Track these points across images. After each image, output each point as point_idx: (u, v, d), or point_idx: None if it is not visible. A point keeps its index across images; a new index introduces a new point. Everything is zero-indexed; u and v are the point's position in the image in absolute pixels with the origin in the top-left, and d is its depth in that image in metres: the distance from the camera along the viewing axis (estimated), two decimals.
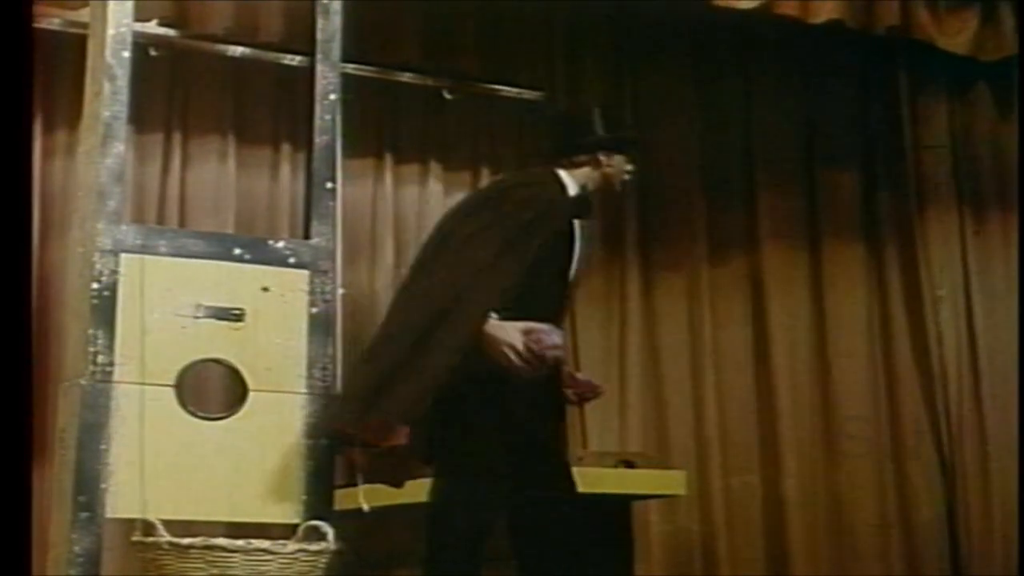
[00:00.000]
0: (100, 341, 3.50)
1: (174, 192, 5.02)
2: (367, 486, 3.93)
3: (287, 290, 3.72)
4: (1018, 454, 5.60)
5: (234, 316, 3.64)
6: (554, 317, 3.70)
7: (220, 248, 3.72)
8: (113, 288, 3.54)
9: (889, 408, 5.83)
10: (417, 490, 4.40)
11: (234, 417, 3.62)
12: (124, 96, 3.67)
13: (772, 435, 5.68)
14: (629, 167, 3.94)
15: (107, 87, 3.65)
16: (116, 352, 3.51)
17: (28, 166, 4.04)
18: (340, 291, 3.84)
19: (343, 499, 3.85)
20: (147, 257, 3.60)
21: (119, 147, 3.64)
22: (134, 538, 3.47)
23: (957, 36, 5.70)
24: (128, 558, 3.84)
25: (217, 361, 3.65)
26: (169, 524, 3.42)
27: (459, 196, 5.44)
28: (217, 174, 5.09)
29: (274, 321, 3.69)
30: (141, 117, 4.80)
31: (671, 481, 4.87)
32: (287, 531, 3.58)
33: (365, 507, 3.81)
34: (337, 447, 3.73)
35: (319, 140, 3.87)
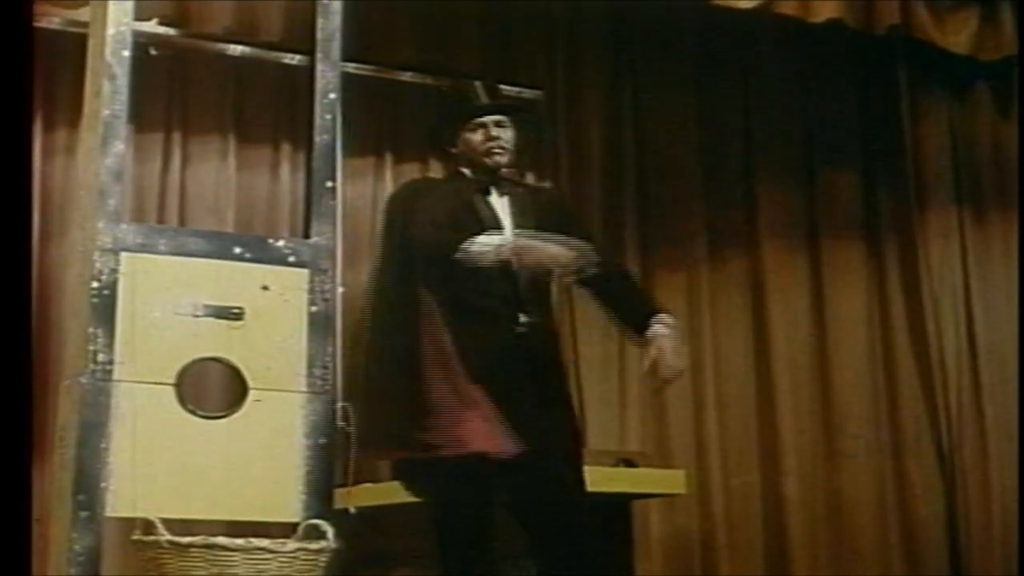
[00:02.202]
0: (100, 339, 3.50)
1: (174, 191, 5.02)
2: (355, 487, 3.94)
3: (287, 289, 3.72)
4: (1018, 454, 5.60)
5: (234, 315, 3.64)
6: None
7: (220, 247, 3.72)
8: (113, 287, 3.55)
9: (889, 407, 5.83)
10: None
11: (234, 416, 3.62)
12: (124, 95, 3.67)
13: (772, 434, 5.68)
14: (503, 134, 3.89)
15: (107, 86, 3.65)
16: (116, 350, 3.51)
17: (28, 165, 4.04)
18: (340, 290, 3.84)
19: (342, 498, 3.85)
20: (147, 256, 3.60)
21: (119, 146, 3.65)
22: (134, 537, 3.47)
23: (957, 35, 5.70)
24: (128, 557, 3.84)
25: (217, 360, 3.65)
26: (169, 523, 3.42)
27: None
28: (217, 173, 5.09)
29: (274, 320, 3.69)
30: (141, 116, 4.80)
31: (671, 480, 4.87)
32: (287, 530, 3.59)
33: (351, 508, 3.81)
34: None
35: (319, 139, 3.87)
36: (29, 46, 3.46)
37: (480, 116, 3.91)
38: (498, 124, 3.91)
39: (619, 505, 4.69)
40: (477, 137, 3.87)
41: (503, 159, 3.90)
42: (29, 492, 3.23)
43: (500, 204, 3.85)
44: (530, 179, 5.47)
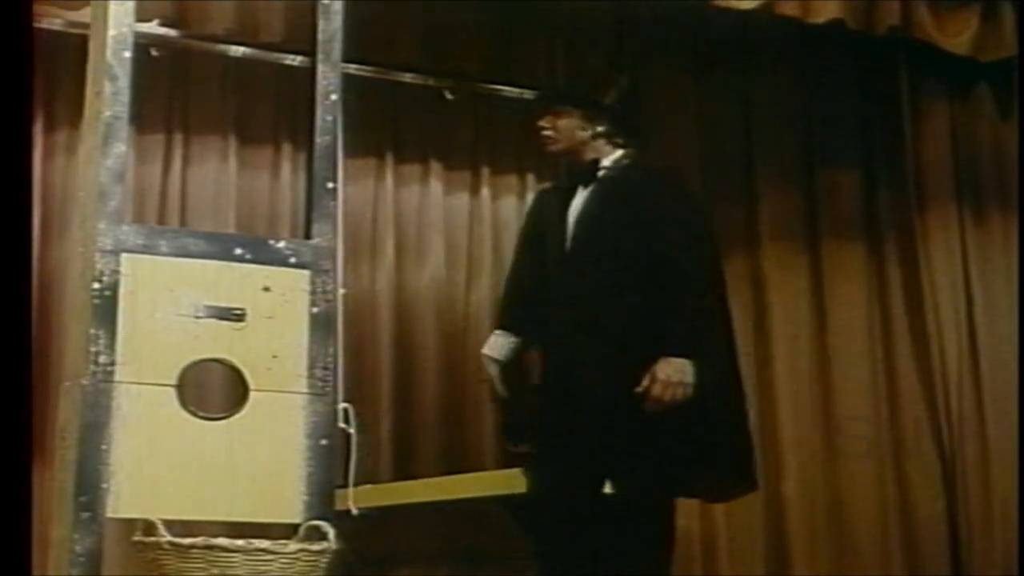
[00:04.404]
0: (101, 341, 3.50)
1: (175, 192, 5.02)
2: (357, 488, 3.96)
3: (288, 290, 3.72)
4: (1018, 454, 5.60)
5: (235, 316, 3.64)
6: None
7: (221, 248, 3.71)
8: (114, 288, 3.54)
9: (889, 407, 5.82)
10: (411, 491, 4.42)
11: (235, 417, 3.62)
12: (125, 96, 3.66)
13: (772, 434, 5.67)
14: (550, 123, 4.09)
15: (108, 87, 3.65)
16: (117, 352, 3.51)
17: (28, 166, 4.04)
18: (341, 291, 3.84)
19: (344, 499, 3.85)
20: (148, 257, 3.60)
21: (120, 147, 3.64)
22: (135, 538, 3.47)
23: (958, 36, 5.70)
24: (129, 558, 3.84)
25: (218, 361, 3.65)
26: (170, 524, 3.42)
27: (460, 196, 5.48)
28: (218, 174, 5.09)
29: (275, 321, 3.68)
30: (142, 117, 4.81)
31: None
32: (288, 531, 3.58)
33: (354, 509, 3.82)
34: None
35: (320, 140, 3.87)
36: (29, 46, 3.46)
37: (533, 112, 4.15)
38: (552, 114, 4.02)
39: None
40: (537, 126, 4.03)
41: (553, 147, 4.12)
42: (29, 493, 3.23)
43: (578, 204, 3.97)
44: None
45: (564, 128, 4.06)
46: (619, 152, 4.07)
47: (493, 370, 4.22)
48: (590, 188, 4.04)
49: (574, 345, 3.94)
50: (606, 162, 4.05)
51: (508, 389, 4.22)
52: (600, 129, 4.06)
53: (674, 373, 3.75)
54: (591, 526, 3.82)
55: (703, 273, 3.91)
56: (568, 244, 4.02)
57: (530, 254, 4.23)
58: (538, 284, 4.13)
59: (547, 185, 4.65)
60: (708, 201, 5.71)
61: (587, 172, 4.05)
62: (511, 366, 4.24)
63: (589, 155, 4.07)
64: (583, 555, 3.81)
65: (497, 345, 4.23)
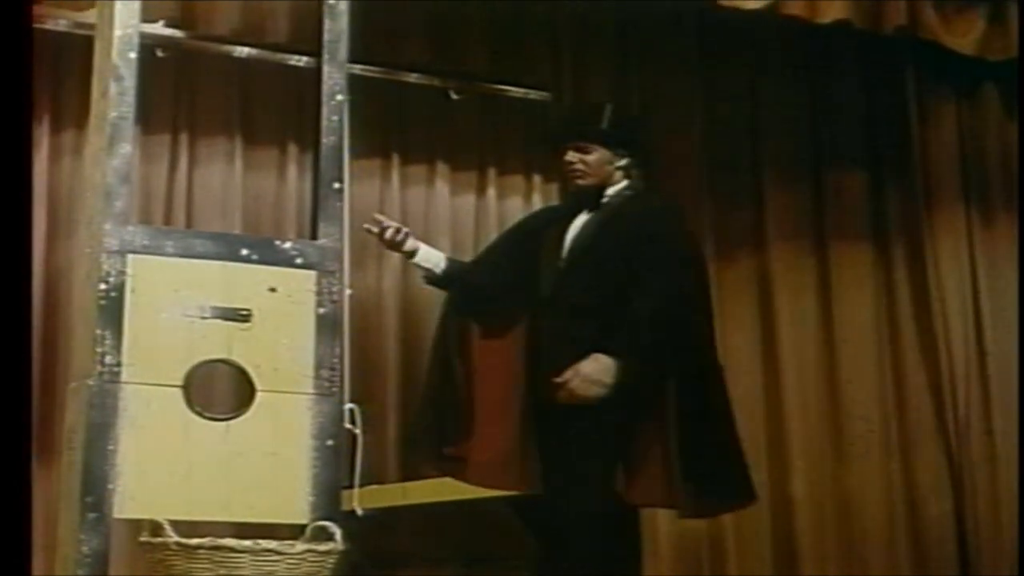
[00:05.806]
0: (107, 342, 3.50)
1: (181, 193, 5.02)
2: (363, 488, 3.96)
3: (294, 291, 3.72)
4: (1018, 455, 5.59)
5: (241, 317, 3.64)
6: None
7: (227, 249, 3.71)
8: (120, 289, 3.55)
9: (896, 407, 5.82)
10: (417, 492, 4.41)
11: (241, 418, 3.62)
12: (131, 97, 3.67)
13: (780, 434, 5.67)
14: (580, 157, 4.06)
15: (114, 88, 3.65)
16: (123, 353, 3.51)
17: (28, 166, 4.02)
18: (347, 291, 3.84)
19: (350, 499, 3.86)
20: (154, 258, 3.60)
21: (126, 148, 3.64)
22: (142, 538, 3.47)
23: (964, 36, 5.70)
24: (136, 558, 3.84)
25: (224, 362, 3.65)
26: (176, 524, 3.42)
27: (466, 196, 5.48)
28: (224, 175, 5.09)
29: (281, 322, 3.68)
30: (148, 118, 4.82)
31: None
32: (295, 531, 3.58)
33: (359, 510, 3.82)
34: None
35: (326, 141, 3.87)
36: (29, 46, 3.45)
37: (556, 143, 4.16)
38: (577, 148, 4.03)
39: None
40: (565, 159, 4.02)
41: (582, 181, 4.09)
42: (29, 493, 3.22)
43: (577, 226, 3.98)
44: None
45: (595, 163, 4.07)
46: (624, 183, 4.09)
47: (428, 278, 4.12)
48: (592, 214, 4.04)
49: (563, 355, 3.93)
50: (610, 191, 4.07)
51: (441, 373, 4.05)
52: (622, 163, 4.08)
53: (595, 371, 3.73)
54: (590, 529, 3.82)
55: (671, 287, 3.89)
56: (563, 264, 4.02)
57: (511, 255, 4.20)
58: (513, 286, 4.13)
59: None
60: (714, 201, 5.76)
61: (591, 198, 4.06)
62: (452, 336, 4.07)
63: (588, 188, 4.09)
64: (581, 557, 3.80)
65: (433, 256, 4.12)
